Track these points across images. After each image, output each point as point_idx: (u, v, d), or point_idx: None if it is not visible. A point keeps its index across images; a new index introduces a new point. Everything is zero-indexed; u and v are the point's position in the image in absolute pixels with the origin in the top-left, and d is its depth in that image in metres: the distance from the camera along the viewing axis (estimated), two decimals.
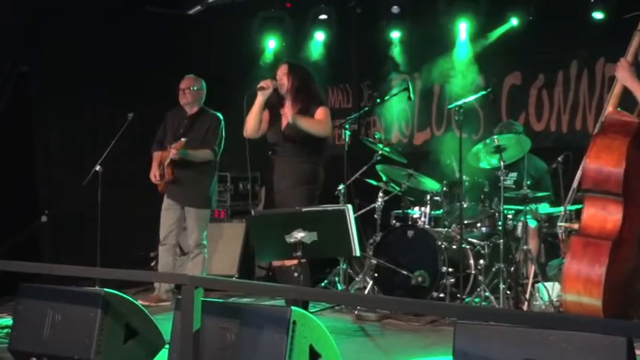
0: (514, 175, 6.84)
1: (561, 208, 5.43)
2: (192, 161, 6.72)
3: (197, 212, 6.79)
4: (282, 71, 5.96)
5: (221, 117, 6.96)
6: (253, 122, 5.86)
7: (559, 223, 5.28)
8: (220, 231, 8.08)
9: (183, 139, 6.57)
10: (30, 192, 7.66)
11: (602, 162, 4.69)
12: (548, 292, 6.08)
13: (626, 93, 4.89)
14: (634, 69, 4.87)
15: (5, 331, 5.47)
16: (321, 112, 5.86)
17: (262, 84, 5.82)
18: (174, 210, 6.81)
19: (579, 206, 5.49)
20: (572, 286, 4.65)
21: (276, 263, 5.89)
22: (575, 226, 5.13)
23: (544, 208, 6.58)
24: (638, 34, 4.84)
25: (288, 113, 5.87)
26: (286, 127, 5.87)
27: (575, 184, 5.01)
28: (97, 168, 6.63)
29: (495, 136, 6.32)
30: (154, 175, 6.78)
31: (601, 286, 4.54)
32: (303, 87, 5.92)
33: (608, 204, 4.68)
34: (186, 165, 6.71)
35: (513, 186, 6.74)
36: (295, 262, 5.17)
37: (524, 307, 6.18)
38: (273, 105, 6.00)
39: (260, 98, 5.83)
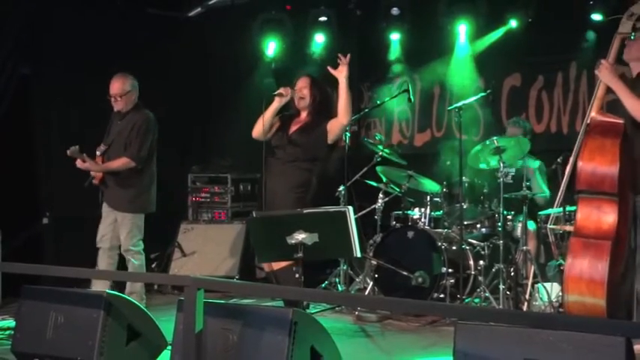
0: (512, 170, 6.86)
1: (559, 209, 5.45)
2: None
3: (125, 216, 6.53)
4: (304, 84, 5.98)
5: (150, 116, 6.59)
6: (265, 125, 5.82)
7: (549, 226, 5.30)
8: (221, 232, 8.11)
9: (70, 149, 6.30)
10: (31, 194, 7.68)
11: (596, 163, 4.71)
12: (548, 292, 6.11)
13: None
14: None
15: (8, 332, 5.50)
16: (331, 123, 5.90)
17: (282, 91, 5.86)
18: (109, 214, 6.58)
19: (575, 208, 5.53)
20: (575, 287, 4.66)
21: (267, 267, 5.90)
22: (568, 227, 5.16)
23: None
24: (618, 37, 4.90)
25: (300, 121, 5.93)
26: (293, 133, 5.87)
27: (563, 186, 5.04)
28: None
29: (495, 138, 6.34)
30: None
31: (604, 285, 4.57)
32: (324, 102, 5.98)
33: (602, 204, 4.70)
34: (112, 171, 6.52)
35: (511, 181, 6.73)
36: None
37: (524, 308, 6.21)
38: (285, 115, 6.03)
39: (276, 104, 5.86)
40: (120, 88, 6.54)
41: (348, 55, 5.81)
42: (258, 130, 5.88)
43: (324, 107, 5.96)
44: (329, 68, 5.85)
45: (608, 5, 6.89)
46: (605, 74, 4.86)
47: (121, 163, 6.45)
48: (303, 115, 5.98)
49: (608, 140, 4.72)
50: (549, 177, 6.83)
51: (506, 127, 7.11)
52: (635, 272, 4.90)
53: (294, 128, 5.92)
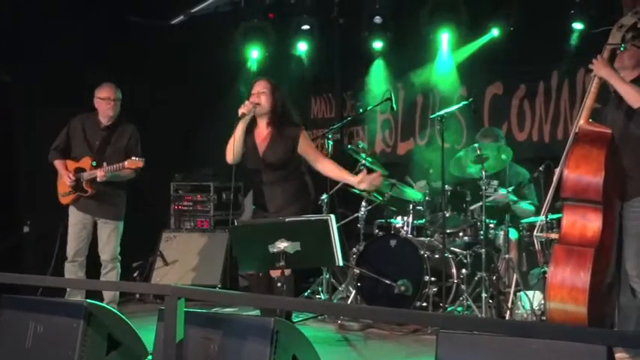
0: (495, 183, 6.87)
1: (542, 217, 5.46)
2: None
3: (115, 225, 6.58)
4: (262, 88, 5.67)
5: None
6: (237, 150, 5.61)
7: (536, 234, 5.32)
8: (203, 241, 8.08)
9: (138, 159, 6.26)
10: (12, 202, 7.62)
11: (581, 171, 4.74)
12: (530, 300, 6.12)
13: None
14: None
15: None
16: (305, 140, 5.71)
17: (243, 110, 5.56)
18: (86, 224, 6.57)
19: (558, 215, 5.56)
20: (557, 294, 4.68)
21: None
22: (553, 235, 5.18)
23: (525, 205, 6.63)
24: (608, 48, 4.94)
25: (262, 134, 5.70)
26: (264, 153, 5.67)
27: (550, 195, 5.06)
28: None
29: (477, 145, 6.36)
30: (69, 176, 6.46)
31: (586, 292, 4.59)
32: (282, 108, 5.71)
33: (587, 212, 4.73)
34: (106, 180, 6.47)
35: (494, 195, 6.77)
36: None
37: (507, 316, 6.21)
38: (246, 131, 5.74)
39: (242, 125, 5.58)
40: (115, 93, 6.65)
41: (380, 181, 5.68)
42: (232, 157, 5.62)
43: (284, 115, 5.71)
44: (358, 180, 5.52)
45: (589, 15, 6.93)
46: (601, 69, 4.88)
47: (130, 172, 6.49)
48: (262, 125, 5.71)
49: (594, 149, 4.76)
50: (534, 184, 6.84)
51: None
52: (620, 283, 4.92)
53: (262, 147, 5.67)
